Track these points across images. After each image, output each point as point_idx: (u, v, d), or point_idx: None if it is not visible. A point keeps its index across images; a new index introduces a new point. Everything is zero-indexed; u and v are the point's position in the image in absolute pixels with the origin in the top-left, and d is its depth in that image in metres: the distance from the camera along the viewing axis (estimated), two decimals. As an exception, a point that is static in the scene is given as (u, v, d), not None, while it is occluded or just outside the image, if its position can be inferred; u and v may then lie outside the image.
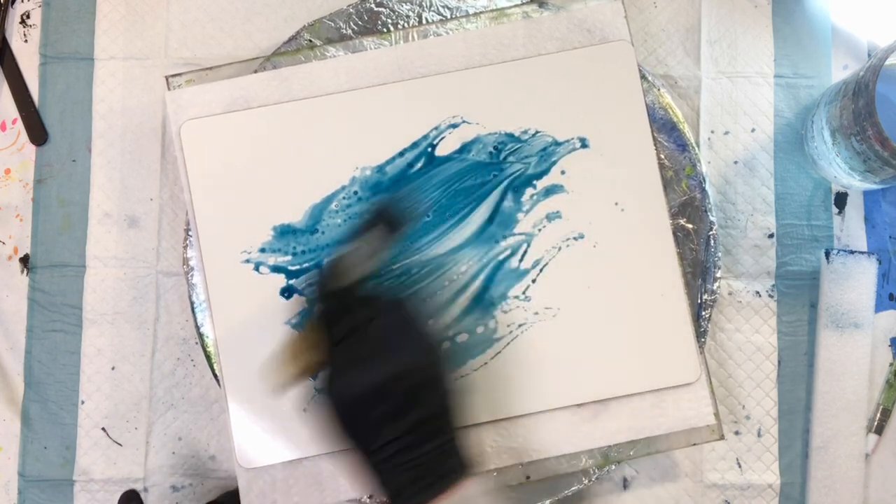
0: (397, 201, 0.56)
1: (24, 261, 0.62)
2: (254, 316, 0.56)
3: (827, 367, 0.59)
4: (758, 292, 0.61)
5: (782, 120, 0.62)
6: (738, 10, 0.63)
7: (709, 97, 0.62)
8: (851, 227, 0.62)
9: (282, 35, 0.62)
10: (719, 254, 0.59)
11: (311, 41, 0.60)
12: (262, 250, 0.56)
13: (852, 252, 0.59)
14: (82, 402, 0.60)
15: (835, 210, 0.62)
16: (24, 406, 0.61)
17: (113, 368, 0.61)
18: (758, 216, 0.61)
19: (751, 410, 0.60)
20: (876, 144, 0.53)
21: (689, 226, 0.59)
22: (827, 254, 0.59)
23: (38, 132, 0.63)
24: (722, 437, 0.55)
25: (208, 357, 0.58)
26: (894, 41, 0.53)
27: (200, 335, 0.58)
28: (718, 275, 0.59)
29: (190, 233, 0.58)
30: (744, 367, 0.60)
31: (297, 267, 0.56)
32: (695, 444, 0.55)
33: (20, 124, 0.63)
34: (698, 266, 0.59)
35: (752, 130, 0.62)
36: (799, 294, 0.61)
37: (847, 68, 0.63)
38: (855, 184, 0.59)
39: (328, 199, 0.57)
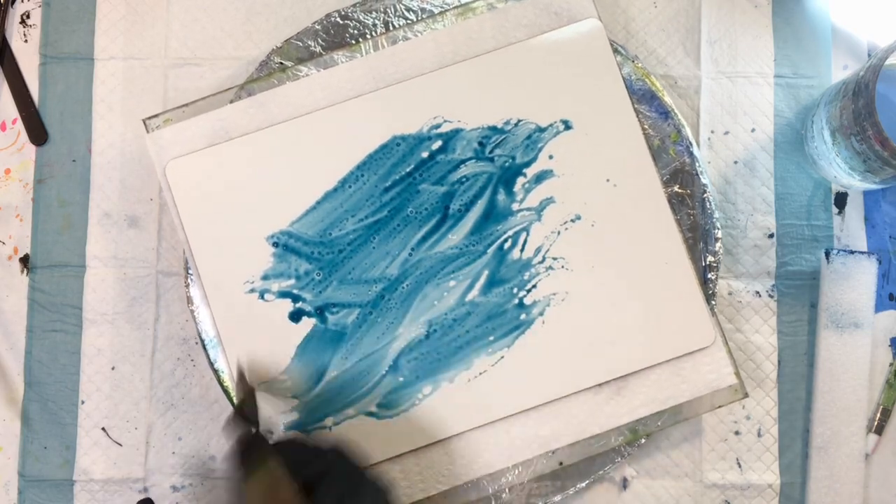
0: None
1: (24, 261, 0.62)
2: (266, 344, 0.56)
3: (827, 367, 0.59)
4: (758, 292, 0.61)
5: (782, 120, 0.62)
6: (738, 10, 0.63)
7: (709, 97, 0.62)
8: (851, 227, 0.62)
9: (282, 35, 0.62)
10: (717, 214, 0.59)
11: (281, 63, 0.60)
12: (265, 277, 0.56)
13: (852, 252, 0.59)
14: (82, 402, 0.60)
15: (835, 210, 0.62)
16: (24, 406, 0.61)
17: (113, 368, 0.61)
18: (758, 216, 0.61)
19: (751, 410, 0.60)
20: (876, 144, 0.53)
21: (683, 191, 0.59)
22: (827, 254, 0.59)
23: (38, 132, 0.63)
24: (746, 395, 0.55)
25: (226, 391, 0.58)
26: (894, 41, 0.53)
27: (210, 360, 0.58)
28: (719, 235, 0.59)
29: (190, 270, 0.58)
30: (744, 367, 0.60)
31: (302, 289, 0.56)
32: (720, 407, 0.56)
33: (20, 124, 0.63)
34: (697, 230, 0.59)
35: (752, 130, 0.62)
36: (799, 294, 0.61)
37: (847, 68, 0.63)
38: (855, 184, 0.59)
39: None
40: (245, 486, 0.45)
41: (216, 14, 0.63)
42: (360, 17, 0.61)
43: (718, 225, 0.59)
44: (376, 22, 0.61)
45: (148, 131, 0.57)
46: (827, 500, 0.58)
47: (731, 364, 0.55)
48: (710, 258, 0.59)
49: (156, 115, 0.58)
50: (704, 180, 0.59)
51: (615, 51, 0.58)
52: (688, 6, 0.63)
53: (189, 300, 0.58)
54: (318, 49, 0.60)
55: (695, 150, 0.60)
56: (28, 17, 0.64)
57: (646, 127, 0.59)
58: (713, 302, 0.58)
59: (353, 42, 0.60)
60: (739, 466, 0.59)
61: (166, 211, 0.62)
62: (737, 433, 0.60)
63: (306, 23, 0.62)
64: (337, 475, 0.46)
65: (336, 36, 0.61)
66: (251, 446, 0.47)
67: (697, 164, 0.59)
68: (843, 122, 0.55)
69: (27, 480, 0.60)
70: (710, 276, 0.59)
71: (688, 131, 0.60)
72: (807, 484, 0.59)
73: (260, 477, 0.45)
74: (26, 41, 0.64)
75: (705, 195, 0.59)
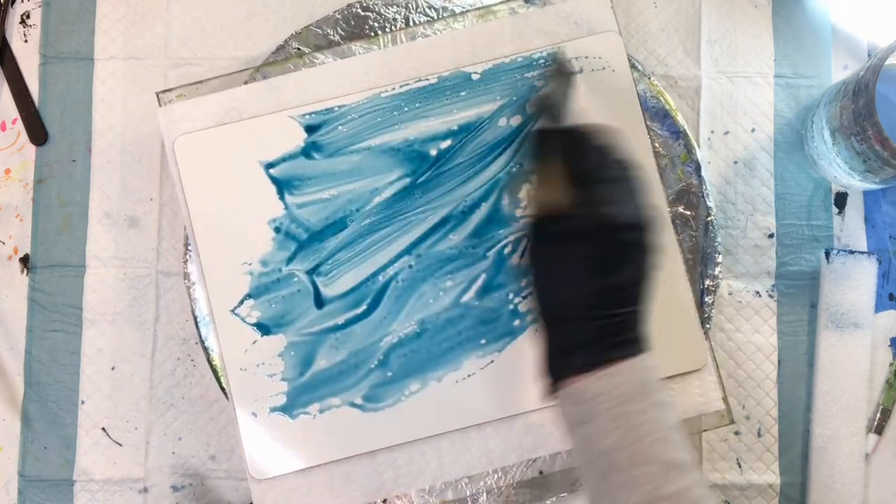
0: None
1: (24, 261, 0.62)
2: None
3: (827, 367, 0.59)
4: (758, 292, 0.61)
5: (782, 120, 0.62)
6: (738, 10, 0.63)
7: (709, 97, 0.62)
8: (851, 227, 0.62)
9: (282, 34, 0.62)
10: (719, 238, 0.59)
11: (299, 49, 0.60)
12: (264, 263, 0.56)
13: (852, 252, 0.59)
14: (82, 402, 0.60)
15: (835, 210, 0.62)
16: (24, 406, 0.61)
17: (113, 368, 0.61)
18: (758, 216, 0.61)
19: (751, 410, 0.60)
20: (876, 144, 0.53)
21: (687, 213, 0.59)
22: (827, 254, 0.59)
23: (38, 132, 0.63)
24: (732, 422, 0.56)
25: (214, 370, 0.58)
26: (894, 41, 0.53)
27: (202, 338, 0.58)
28: (719, 259, 0.59)
29: (189, 247, 0.58)
30: (744, 367, 0.60)
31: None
32: (705, 431, 0.56)
33: (20, 124, 0.63)
34: (698, 252, 0.59)
35: (752, 130, 0.62)
36: (799, 294, 0.61)
37: (847, 68, 0.63)
38: (855, 184, 0.59)
39: None
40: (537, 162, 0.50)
41: (216, 14, 0.63)
42: (381, 10, 0.61)
43: (720, 249, 0.59)
44: (397, 16, 0.61)
45: (160, 105, 0.57)
46: (827, 500, 0.58)
47: (721, 389, 0.55)
48: (708, 282, 0.59)
49: (169, 90, 0.58)
50: (710, 203, 0.59)
51: (632, 66, 0.58)
52: (688, 6, 0.63)
53: (186, 276, 0.58)
54: (337, 38, 0.61)
55: (704, 172, 0.60)
56: (28, 17, 0.64)
57: (656, 145, 0.59)
58: (708, 325, 0.58)
59: (372, 34, 0.60)
60: (739, 466, 0.59)
61: (166, 211, 0.62)
62: (737, 433, 0.60)
63: (307, 22, 0.62)
64: (625, 175, 0.47)
65: (356, 27, 0.61)
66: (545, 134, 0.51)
67: (704, 187, 0.59)
68: (843, 122, 0.55)
69: (27, 480, 0.60)
70: (706, 299, 0.59)
71: (698, 154, 0.60)
72: (807, 484, 0.59)
73: (544, 161, 0.50)
74: (26, 41, 0.64)
75: (709, 218, 0.59)
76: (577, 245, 0.45)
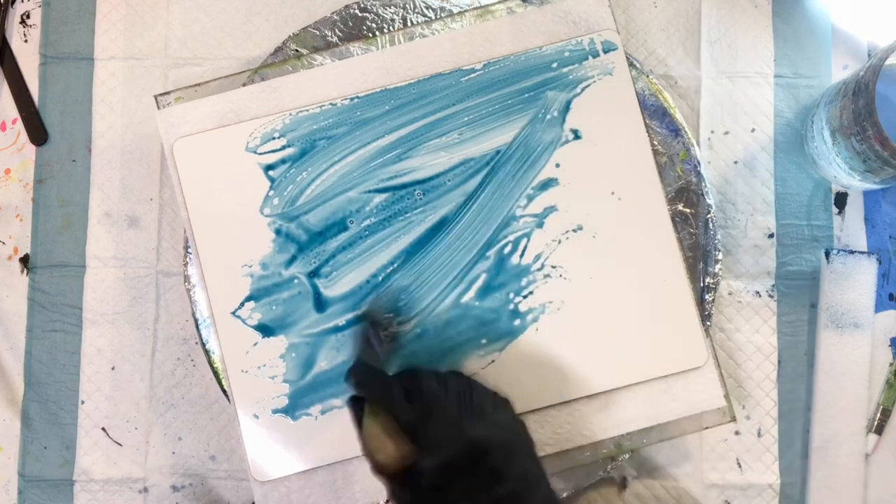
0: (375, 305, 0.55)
1: (24, 261, 0.62)
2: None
3: (827, 367, 0.59)
4: (758, 292, 0.61)
5: (782, 120, 0.62)
6: (738, 10, 0.63)
7: (709, 97, 0.62)
8: (851, 227, 0.62)
9: (282, 35, 0.62)
10: (719, 236, 0.59)
11: (297, 51, 0.60)
12: (264, 265, 0.56)
13: (852, 252, 0.59)
14: (82, 402, 0.60)
15: (835, 210, 0.62)
16: (24, 406, 0.61)
17: (113, 368, 0.61)
18: (758, 216, 0.61)
19: (751, 410, 0.60)
20: (876, 144, 0.53)
21: (687, 210, 0.59)
22: (827, 254, 0.59)
23: (38, 132, 0.63)
24: (733, 419, 0.56)
25: (215, 372, 0.58)
26: (894, 41, 0.53)
27: (202, 340, 0.58)
28: (719, 257, 0.59)
29: (189, 250, 0.58)
30: (744, 367, 0.60)
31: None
32: (706, 428, 0.56)
33: (20, 124, 0.63)
34: (698, 249, 0.59)
35: (752, 130, 0.62)
36: (799, 294, 0.61)
37: (847, 68, 0.63)
38: (855, 184, 0.59)
39: None
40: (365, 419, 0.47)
41: (216, 14, 0.63)
42: (379, 11, 0.61)
43: (720, 247, 0.59)
44: (394, 17, 0.61)
45: (159, 108, 0.58)
46: (827, 500, 0.58)
47: (722, 387, 0.55)
48: (708, 279, 0.59)
49: (167, 93, 0.58)
50: (709, 201, 0.59)
51: (630, 64, 0.58)
52: (688, 6, 0.63)
53: (186, 279, 0.58)
54: (335, 39, 0.61)
55: (703, 169, 0.60)
56: (28, 17, 0.64)
57: (655, 143, 0.59)
58: (708, 323, 0.58)
59: (370, 35, 0.60)
60: (739, 466, 0.59)
61: (166, 211, 0.62)
62: (737, 433, 0.60)
63: (307, 22, 0.62)
64: (452, 392, 0.46)
65: (354, 28, 0.61)
66: (372, 385, 0.48)
67: (704, 185, 0.59)
68: (843, 122, 0.55)
69: (27, 480, 0.60)
70: (707, 297, 0.59)
71: (696, 151, 0.60)
72: (807, 484, 0.59)
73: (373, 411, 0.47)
74: (26, 41, 0.64)
75: (709, 216, 0.59)
76: (448, 474, 0.43)
